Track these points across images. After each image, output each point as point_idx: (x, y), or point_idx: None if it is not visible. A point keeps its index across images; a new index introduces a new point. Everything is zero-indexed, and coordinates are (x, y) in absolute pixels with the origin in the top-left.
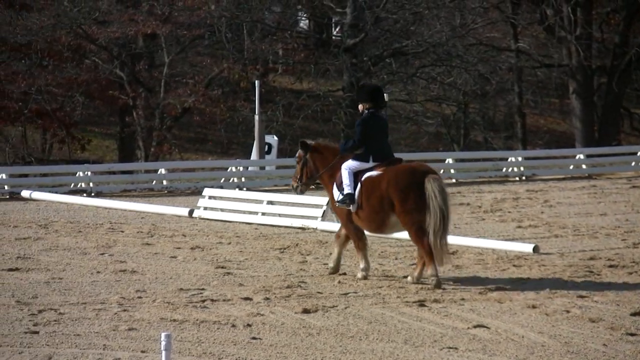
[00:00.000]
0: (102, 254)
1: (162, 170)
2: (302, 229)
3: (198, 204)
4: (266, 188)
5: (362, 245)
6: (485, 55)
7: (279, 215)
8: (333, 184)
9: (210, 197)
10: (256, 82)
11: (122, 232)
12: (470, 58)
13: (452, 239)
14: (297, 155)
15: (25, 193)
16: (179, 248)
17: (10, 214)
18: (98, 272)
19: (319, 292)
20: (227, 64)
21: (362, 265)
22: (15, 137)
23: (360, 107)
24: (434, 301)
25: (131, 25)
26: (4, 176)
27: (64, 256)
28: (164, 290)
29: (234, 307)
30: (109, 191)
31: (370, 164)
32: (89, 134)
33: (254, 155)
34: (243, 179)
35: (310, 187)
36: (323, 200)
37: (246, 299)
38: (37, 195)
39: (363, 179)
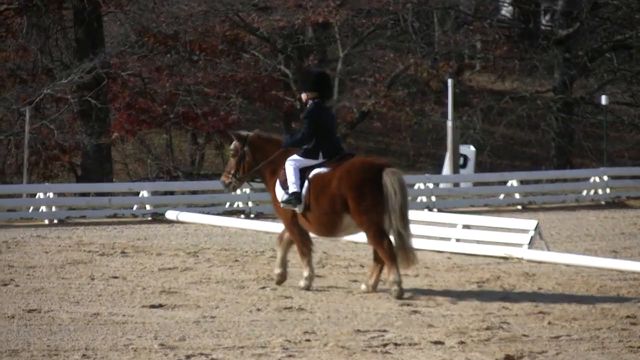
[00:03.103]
0: (263, 287)
1: None
2: (505, 258)
3: None
4: (461, 209)
5: (306, 250)
6: None
7: (477, 241)
8: (275, 182)
9: None
10: (449, 81)
11: (287, 261)
12: None
13: None
14: (232, 147)
15: (171, 214)
16: (356, 281)
17: (153, 240)
18: (258, 309)
19: (524, 335)
20: (414, 59)
21: (305, 274)
22: (159, 147)
23: (303, 96)
24: None
25: (298, 12)
26: (145, 194)
27: (217, 290)
28: (337, 331)
29: (422, 352)
30: (271, 212)
31: (319, 160)
32: None
33: (446, 169)
34: (433, 198)
35: (245, 183)
36: (530, 224)
37: (437, 342)
38: (185, 216)
39: (311, 176)
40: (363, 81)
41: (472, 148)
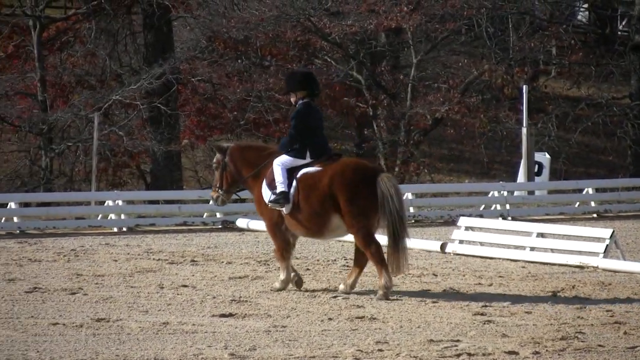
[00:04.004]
0: (335, 297)
1: (408, 195)
2: (580, 267)
3: (452, 237)
4: (536, 217)
5: (287, 255)
6: None
7: (552, 250)
8: (259, 183)
9: (467, 228)
10: (524, 87)
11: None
12: None
13: None
14: (214, 160)
15: (241, 222)
16: (429, 290)
17: (223, 248)
18: (330, 318)
19: (599, 345)
20: (489, 64)
21: (282, 277)
22: None
23: (292, 98)
24: None
25: (371, 17)
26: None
27: (288, 299)
28: (409, 341)
29: None
30: None
31: (307, 160)
32: None
33: (521, 177)
34: (507, 206)
35: (234, 194)
36: (606, 233)
37: (511, 352)
38: (257, 224)
39: (299, 175)
40: (436, 87)
41: (547, 155)
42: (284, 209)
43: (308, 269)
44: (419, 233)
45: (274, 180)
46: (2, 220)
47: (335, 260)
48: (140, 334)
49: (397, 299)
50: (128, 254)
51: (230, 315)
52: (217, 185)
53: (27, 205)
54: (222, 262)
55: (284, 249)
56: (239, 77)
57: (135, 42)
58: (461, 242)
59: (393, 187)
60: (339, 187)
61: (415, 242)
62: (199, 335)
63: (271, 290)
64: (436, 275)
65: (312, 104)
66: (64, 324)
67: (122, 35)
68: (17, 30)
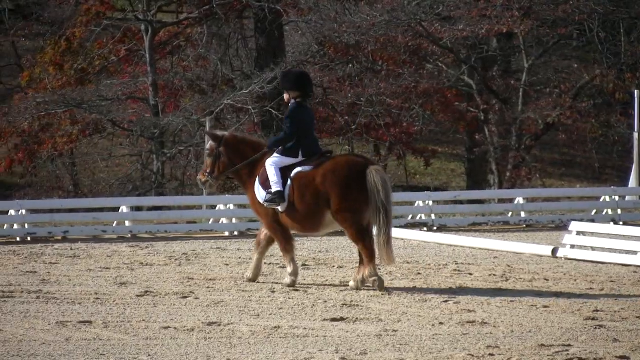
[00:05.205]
0: (446, 301)
1: (520, 200)
2: None
3: (563, 241)
4: None
5: (289, 247)
6: None
7: None
8: (253, 182)
9: (578, 233)
10: (635, 92)
11: (471, 274)
12: None
13: None
14: (207, 147)
15: None
16: (540, 295)
17: (335, 252)
18: (441, 323)
19: None
20: (600, 69)
21: (289, 270)
22: None
23: (285, 96)
24: None
25: (482, 22)
26: None
27: (399, 304)
28: (521, 346)
29: None
30: (455, 224)
31: (300, 159)
32: (429, 155)
33: (633, 181)
34: (619, 211)
35: (221, 181)
36: None
37: (622, 357)
38: None
39: (293, 174)
40: (548, 92)
41: None
42: (279, 207)
43: (419, 273)
44: (530, 238)
45: (267, 180)
46: (114, 224)
47: (446, 264)
48: (252, 338)
49: (508, 304)
50: (239, 258)
51: (342, 319)
52: (208, 171)
53: (139, 209)
54: (334, 266)
55: (287, 242)
56: (350, 81)
57: (246, 47)
58: (572, 246)
59: (380, 179)
60: (331, 184)
61: (526, 247)
62: (310, 339)
63: (285, 285)
64: (547, 280)
65: (304, 104)
66: (175, 328)
67: (234, 39)
68: (129, 35)
